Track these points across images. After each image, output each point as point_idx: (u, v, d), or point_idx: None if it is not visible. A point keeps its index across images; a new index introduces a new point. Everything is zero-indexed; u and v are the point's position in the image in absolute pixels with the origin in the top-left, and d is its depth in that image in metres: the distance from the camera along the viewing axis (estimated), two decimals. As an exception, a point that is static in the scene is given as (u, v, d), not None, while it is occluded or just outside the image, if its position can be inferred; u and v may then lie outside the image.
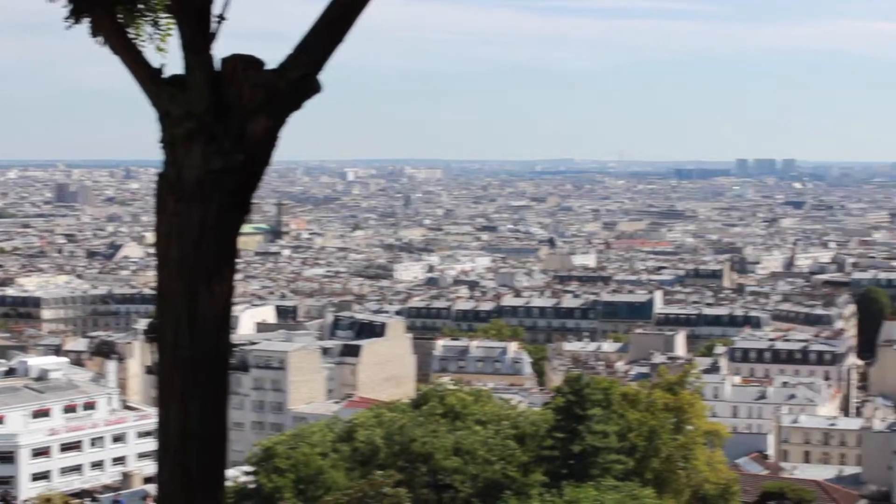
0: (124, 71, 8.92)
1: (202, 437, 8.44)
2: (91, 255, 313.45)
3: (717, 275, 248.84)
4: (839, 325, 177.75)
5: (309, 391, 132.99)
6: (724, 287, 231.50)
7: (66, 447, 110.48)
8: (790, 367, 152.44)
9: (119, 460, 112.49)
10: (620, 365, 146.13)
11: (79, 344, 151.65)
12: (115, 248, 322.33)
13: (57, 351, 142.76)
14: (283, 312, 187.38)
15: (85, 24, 9.05)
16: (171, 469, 8.52)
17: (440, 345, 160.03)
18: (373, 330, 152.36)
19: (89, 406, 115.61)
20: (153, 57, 9.08)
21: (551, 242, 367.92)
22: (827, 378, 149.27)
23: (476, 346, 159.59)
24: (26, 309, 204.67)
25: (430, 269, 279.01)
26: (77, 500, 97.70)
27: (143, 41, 9.37)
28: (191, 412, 8.42)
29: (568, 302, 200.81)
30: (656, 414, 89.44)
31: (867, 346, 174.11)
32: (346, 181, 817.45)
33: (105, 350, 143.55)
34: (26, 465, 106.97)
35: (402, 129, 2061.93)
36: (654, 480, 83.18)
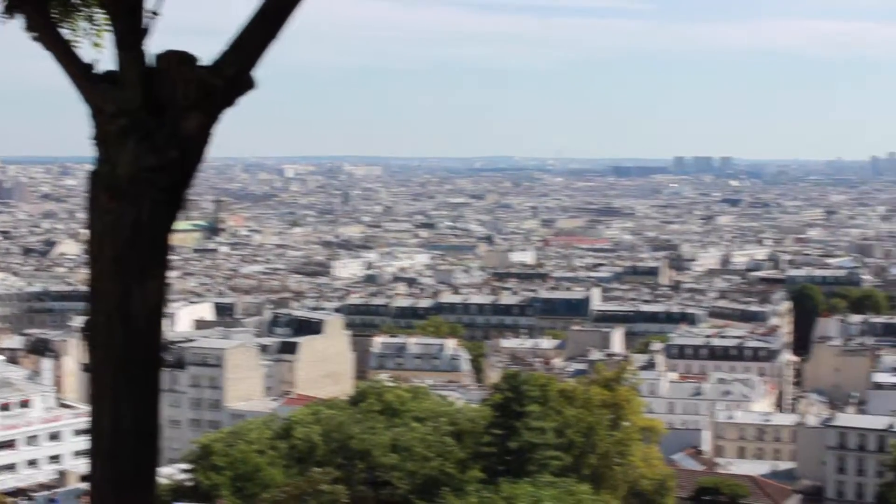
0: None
1: (134, 436, 8.40)
2: (27, 252, 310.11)
3: (654, 272, 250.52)
4: (774, 321, 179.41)
5: (246, 388, 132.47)
6: (661, 284, 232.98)
7: (1, 445, 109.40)
8: (726, 363, 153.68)
9: (55, 458, 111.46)
10: (558, 362, 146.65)
11: (14, 342, 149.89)
12: (51, 244, 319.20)
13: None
14: (221, 310, 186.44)
15: (19, 20, 8.97)
16: (102, 467, 8.48)
17: (378, 342, 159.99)
18: (311, 327, 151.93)
19: (24, 404, 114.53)
20: (89, 53, 9.02)
21: (490, 240, 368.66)
22: (762, 374, 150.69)
23: (414, 343, 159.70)
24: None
25: (369, 266, 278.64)
26: (12, 499, 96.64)
27: (79, 37, 9.31)
28: (123, 410, 8.37)
29: (506, 299, 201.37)
30: (593, 410, 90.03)
31: (802, 343, 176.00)
32: (285, 178, 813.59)
33: (41, 348, 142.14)
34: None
35: (341, 126, 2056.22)
36: (590, 476, 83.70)
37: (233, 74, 8.41)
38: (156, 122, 8.28)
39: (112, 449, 8.42)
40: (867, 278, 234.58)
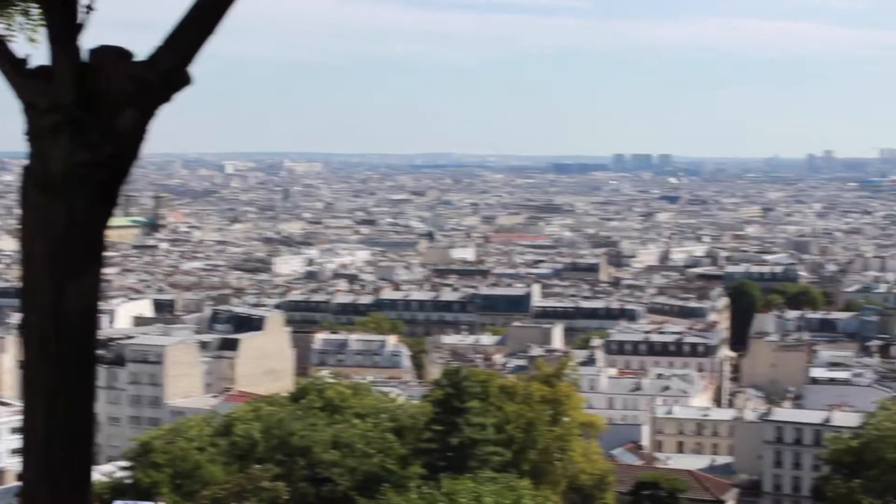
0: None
1: (68, 434, 8.33)
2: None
3: (594, 268, 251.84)
4: (712, 317, 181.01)
5: (186, 385, 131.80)
6: (601, 280, 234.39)
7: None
8: (665, 359, 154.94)
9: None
10: (498, 358, 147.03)
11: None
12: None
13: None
14: (160, 306, 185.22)
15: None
16: (36, 466, 8.41)
17: (319, 338, 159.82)
18: (251, 324, 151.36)
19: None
20: (24, 48, 8.92)
21: (430, 236, 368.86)
22: (700, 370, 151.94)
23: (355, 339, 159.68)
24: None
25: (310, 262, 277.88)
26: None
27: (14, 32, 9.21)
28: (57, 409, 8.30)
29: (447, 295, 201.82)
30: (533, 406, 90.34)
31: (739, 339, 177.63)
32: (225, 174, 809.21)
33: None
34: None
35: (281, 122, 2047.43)
36: (531, 472, 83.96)
37: (168, 70, 8.33)
38: (90, 117, 8.19)
39: (46, 447, 8.35)
40: (804, 275, 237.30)
